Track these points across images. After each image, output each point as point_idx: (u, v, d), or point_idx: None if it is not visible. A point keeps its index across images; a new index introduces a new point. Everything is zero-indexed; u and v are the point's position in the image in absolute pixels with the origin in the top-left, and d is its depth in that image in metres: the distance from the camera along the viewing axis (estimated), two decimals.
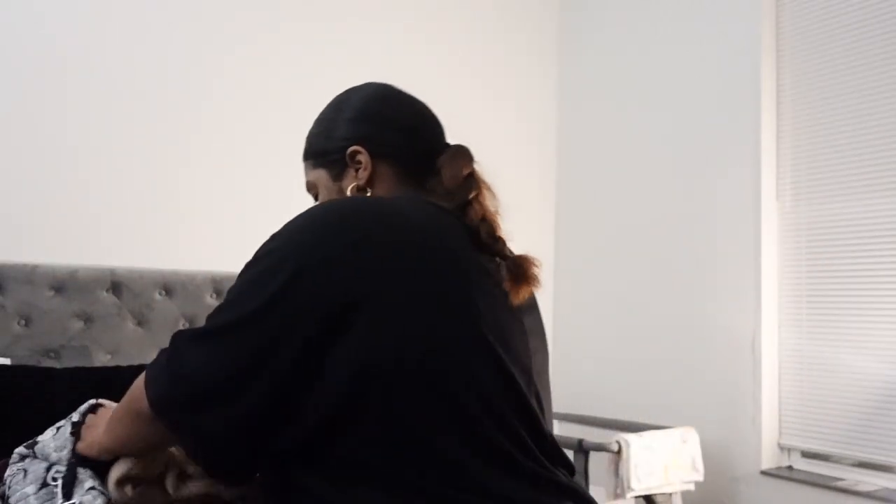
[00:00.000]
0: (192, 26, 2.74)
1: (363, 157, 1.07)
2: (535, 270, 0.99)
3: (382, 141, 1.08)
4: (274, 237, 0.94)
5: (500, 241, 1.00)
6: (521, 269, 0.99)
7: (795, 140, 2.81)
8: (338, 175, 1.09)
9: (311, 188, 1.14)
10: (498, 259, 1.00)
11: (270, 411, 0.85)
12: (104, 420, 1.06)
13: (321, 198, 1.12)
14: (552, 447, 0.95)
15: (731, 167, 2.93)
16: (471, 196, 1.02)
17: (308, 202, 1.16)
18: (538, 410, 0.96)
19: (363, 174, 1.06)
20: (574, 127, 3.66)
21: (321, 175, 1.11)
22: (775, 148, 2.86)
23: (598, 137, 3.53)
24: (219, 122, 2.76)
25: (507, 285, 0.97)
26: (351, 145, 1.07)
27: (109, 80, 2.57)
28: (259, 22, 2.89)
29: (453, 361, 0.87)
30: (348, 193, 1.07)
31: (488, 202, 1.03)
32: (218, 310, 0.91)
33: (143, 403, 0.90)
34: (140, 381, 0.93)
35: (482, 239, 0.99)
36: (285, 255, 0.89)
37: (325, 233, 0.89)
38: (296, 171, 3.12)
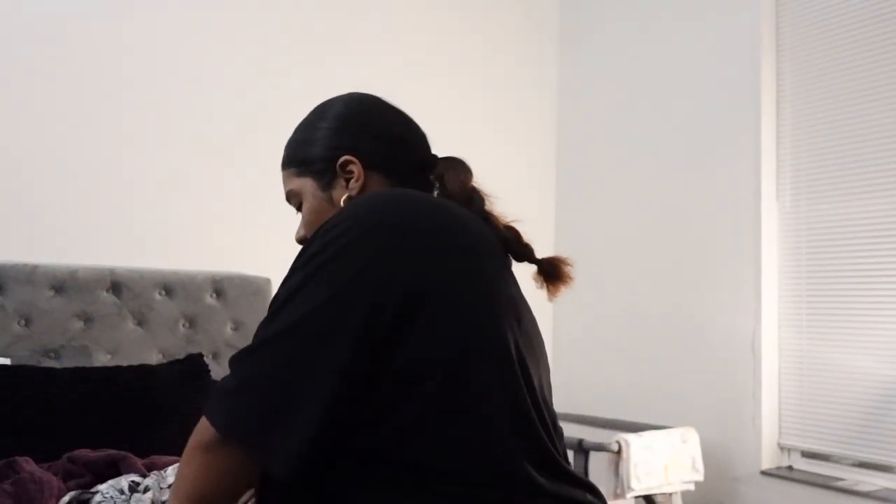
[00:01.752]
0: (195, 27, 2.74)
1: (356, 168, 1.04)
2: (569, 269, 1.05)
3: (373, 151, 1.06)
4: (341, 220, 0.90)
5: (529, 248, 1.04)
6: (556, 269, 1.05)
7: (795, 140, 2.81)
8: (327, 185, 1.06)
9: (293, 197, 1.11)
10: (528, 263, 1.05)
11: (339, 410, 0.83)
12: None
13: (306, 207, 1.09)
14: (563, 445, 0.99)
15: (731, 167, 2.93)
16: (486, 206, 1.04)
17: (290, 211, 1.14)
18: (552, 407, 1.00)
19: (355, 185, 1.04)
20: (573, 127, 3.66)
21: (307, 184, 1.08)
22: (775, 148, 2.86)
23: (598, 138, 3.53)
24: (219, 123, 2.76)
25: (543, 285, 1.04)
26: (341, 154, 1.05)
27: (109, 80, 2.57)
28: (260, 25, 2.88)
29: (510, 360, 0.89)
30: (341, 204, 1.04)
31: (498, 210, 1.06)
32: (272, 316, 0.87)
33: (209, 433, 0.85)
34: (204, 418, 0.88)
35: (512, 246, 1.02)
36: (358, 241, 0.87)
37: (399, 221, 0.89)
38: None
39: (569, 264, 1.05)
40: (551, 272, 1.04)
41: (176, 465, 1.08)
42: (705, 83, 3.06)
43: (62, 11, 2.50)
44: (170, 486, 1.05)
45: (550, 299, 1.05)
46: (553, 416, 0.96)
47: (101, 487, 1.08)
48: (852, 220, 2.61)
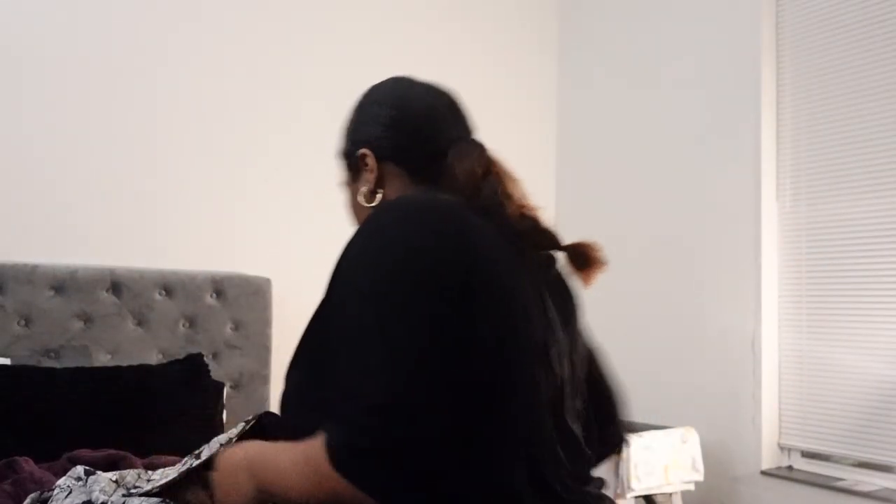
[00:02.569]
0: (198, 30, 2.74)
1: (370, 161, 1.08)
2: (599, 254, 1.01)
3: (383, 142, 1.08)
4: (373, 230, 0.91)
5: (548, 235, 1.01)
6: (585, 256, 1.01)
7: (795, 140, 2.81)
8: (354, 176, 1.11)
9: (341, 188, 1.17)
10: (553, 251, 1.02)
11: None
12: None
13: (345, 198, 1.14)
14: (586, 459, 0.96)
15: (731, 167, 2.93)
16: (501, 191, 1.01)
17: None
18: (579, 421, 0.97)
19: (370, 177, 1.07)
20: (573, 127, 3.66)
21: (344, 176, 1.14)
22: (775, 148, 2.86)
23: (598, 137, 3.53)
24: (220, 124, 2.76)
25: (575, 272, 1.01)
26: (359, 148, 1.09)
27: (110, 81, 2.57)
28: (260, 27, 2.88)
29: (525, 366, 0.89)
30: (360, 196, 1.08)
31: (516, 194, 1.02)
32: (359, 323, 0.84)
33: (343, 485, 0.78)
34: (324, 460, 0.78)
35: (529, 236, 0.99)
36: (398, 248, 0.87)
37: (425, 223, 0.89)
38: (296, 172, 3.12)
39: (597, 249, 1.01)
40: (579, 260, 1.01)
41: (172, 465, 1.07)
42: (705, 83, 3.06)
43: (63, 13, 2.50)
44: (149, 480, 1.05)
45: (585, 287, 1.02)
46: (571, 434, 0.93)
47: (59, 481, 1.09)
48: (852, 221, 2.61)
